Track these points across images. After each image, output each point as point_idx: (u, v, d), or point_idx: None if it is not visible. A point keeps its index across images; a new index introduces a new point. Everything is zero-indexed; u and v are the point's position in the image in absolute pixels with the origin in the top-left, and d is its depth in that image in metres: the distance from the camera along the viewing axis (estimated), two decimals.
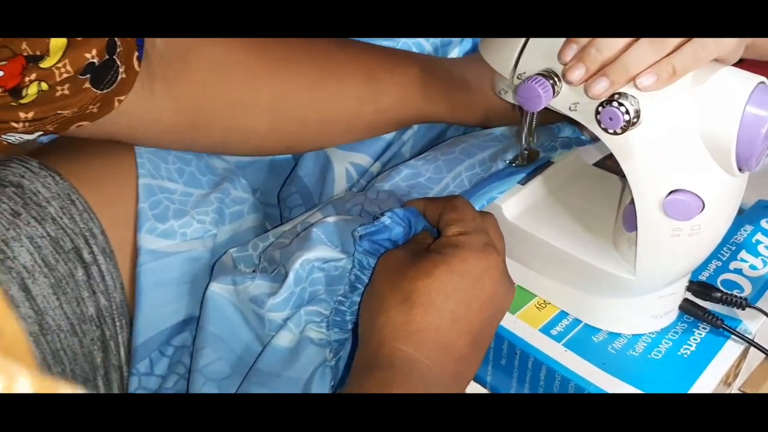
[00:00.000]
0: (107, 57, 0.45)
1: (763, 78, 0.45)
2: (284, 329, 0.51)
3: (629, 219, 0.50)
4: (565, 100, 0.48)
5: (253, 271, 0.55)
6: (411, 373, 0.43)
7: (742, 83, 0.44)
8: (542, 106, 0.47)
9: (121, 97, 0.49)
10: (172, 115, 0.54)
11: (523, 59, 0.50)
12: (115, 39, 0.46)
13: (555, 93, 0.48)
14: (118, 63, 0.47)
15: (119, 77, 0.47)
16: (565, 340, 0.54)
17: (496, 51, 0.52)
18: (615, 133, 0.46)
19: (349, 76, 0.60)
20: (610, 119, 0.45)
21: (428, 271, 0.45)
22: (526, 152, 0.61)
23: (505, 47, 0.51)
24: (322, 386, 0.51)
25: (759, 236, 0.61)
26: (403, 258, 0.48)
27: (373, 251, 0.51)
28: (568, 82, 0.47)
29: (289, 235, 0.56)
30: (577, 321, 0.56)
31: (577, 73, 0.45)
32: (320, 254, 0.51)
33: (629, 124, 0.45)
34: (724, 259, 0.60)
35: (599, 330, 0.55)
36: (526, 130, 0.58)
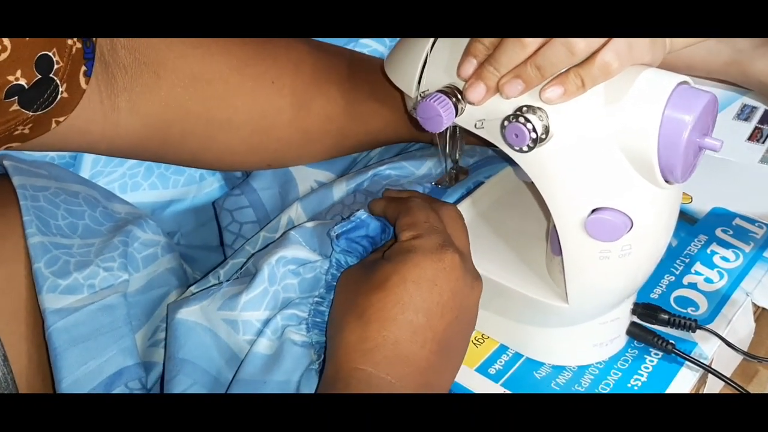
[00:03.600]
0: (39, 77, 0.40)
1: (685, 77, 0.41)
2: (262, 336, 0.47)
3: (555, 242, 0.45)
4: (471, 117, 0.44)
5: (220, 283, 0.52)
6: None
7: (660, 85, 0.40)
8: (444, 127, 0.43)
9: (60, 119, 0.44)
10: (139, 131, 0.49)
11: (426, 76, 0.45)
12: (51, 56, 0.40)
13: (459, 111, 0.43)
14: (58, 82, 0.42)
15: (59, 97, 0.42)
16: (503, 380, 0.49)
17: (400, 68, 0.47)
18: (524, 150, 0.41)
19: (340, 96, 0.57)
20: (516, 136, 0.41)
21: (380, 284, 0.43)
22: (453, 171, 0.56)
23: (407, 64, 0.46)
24: (310, 390, 0.47)
25: (714, 246, 0.56)
26: (359, 273, 0.46)
27: (352, 250, 0.49)
28: (470, 102, 0.42)
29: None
30: (518, 355, 0.51)
31: (477, 92, 0.42)
32: (297, 253, 0.48)
33: (538, 140, 0.40)
34: (677, 273, 0.55)
35: (542, 364, 0.50)
36: (449, 147, 0.54)
